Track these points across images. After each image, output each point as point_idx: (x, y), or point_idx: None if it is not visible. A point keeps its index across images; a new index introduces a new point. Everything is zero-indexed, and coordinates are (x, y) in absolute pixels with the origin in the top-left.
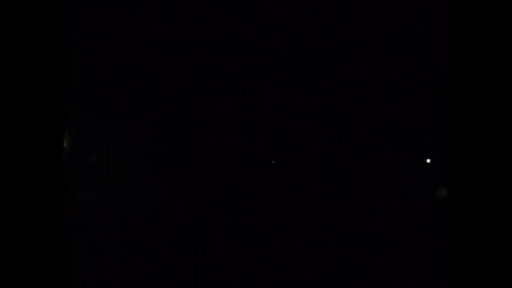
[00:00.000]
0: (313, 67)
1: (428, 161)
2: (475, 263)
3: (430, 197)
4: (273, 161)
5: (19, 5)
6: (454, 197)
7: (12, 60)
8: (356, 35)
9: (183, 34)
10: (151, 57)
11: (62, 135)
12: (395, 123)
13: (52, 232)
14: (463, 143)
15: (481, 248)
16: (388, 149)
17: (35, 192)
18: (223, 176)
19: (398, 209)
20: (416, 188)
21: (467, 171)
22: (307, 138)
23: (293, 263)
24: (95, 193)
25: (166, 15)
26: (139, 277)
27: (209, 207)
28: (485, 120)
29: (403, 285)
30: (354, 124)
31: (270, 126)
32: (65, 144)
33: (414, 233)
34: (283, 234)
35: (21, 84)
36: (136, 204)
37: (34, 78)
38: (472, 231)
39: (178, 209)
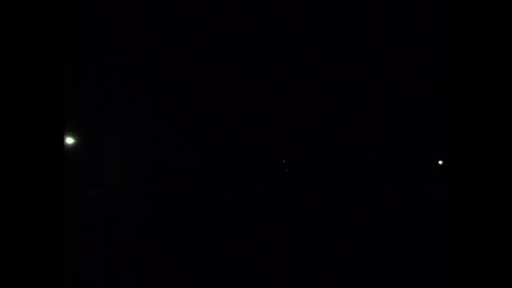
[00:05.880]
0: (326, 70)
1: (440, 162)
2: (476, 265)
3: (442, 198)
4: (283, 161)
5: (19, 6)
6: (456, 198)
7: (14, 58)
8: (366, 40)
9: (191, 33)
10: (158, 54)
11: (62, 132)
12: (408, 124)
13: (51, 232)
14: (464, 144)
15: (482, 249)
16: (403, 151)
17: (35, 191)
18: (233, 175)
19: (410, 210)
20: (429, 189)
21: (468, 172)
22: (317, 139)
23: (301, 262)
24: (103, 190)
25: (170, 14)
26: (145, 275)
27: (218, 207)
28: (487, 120)
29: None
30: (366, 124)
31: (282, 127)
32: (73, 141)
33: (425, 235)
34: (293, 233)
35: (26, 80)
36: (144, 202)
37: (40, 74)
38: (473, 233)
39: (187, 208)
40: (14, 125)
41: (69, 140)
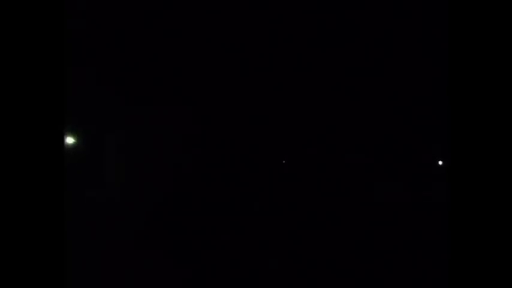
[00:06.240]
0: (326, 70)
1: (440, 162)
2: (476, 265)
3: (442, 198)
4: (283, 161)
5: (19, 6)
6: (456, 198)
7: (14, 58)
8: (366, 40)
9: (190, 33)
10: (158, 54)
11: (62, 132)
12: (408, 124)
13: (51, 232)
14: (464, 144)
15: (482, 249)
16: (403, 151)
17: (35, 191)
18: (233, 175)
19: (410, 210)
20: (429, 189)
21: (468, 172)
22: (317, 139)
23: (301, 262)
24: (103, 190)
25: (170, 14)
26: (145, 276)
27: (218, 207)
28: (487, 121)
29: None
30: (366, 124)
31: (280, 127)
32: (73, 141)
33: (425, 235)
34: (293, 233)
35: (26, 80)
36: (144, 202)
37: (40, 74)
38: (473, 233)
39: (187, 208)
40: (14, 125)
41: (69, 140)
